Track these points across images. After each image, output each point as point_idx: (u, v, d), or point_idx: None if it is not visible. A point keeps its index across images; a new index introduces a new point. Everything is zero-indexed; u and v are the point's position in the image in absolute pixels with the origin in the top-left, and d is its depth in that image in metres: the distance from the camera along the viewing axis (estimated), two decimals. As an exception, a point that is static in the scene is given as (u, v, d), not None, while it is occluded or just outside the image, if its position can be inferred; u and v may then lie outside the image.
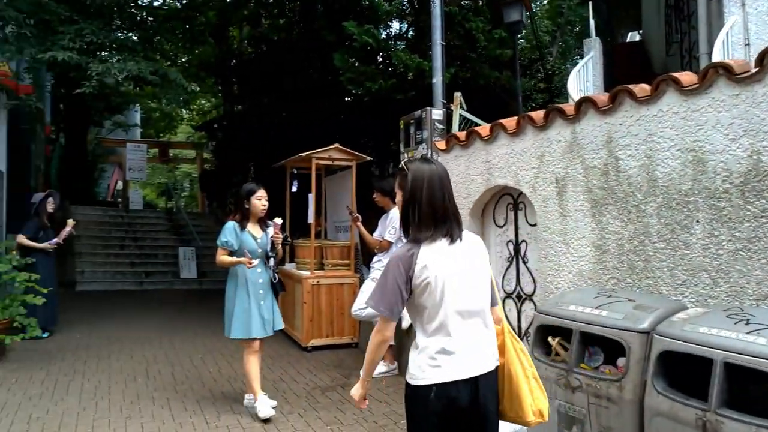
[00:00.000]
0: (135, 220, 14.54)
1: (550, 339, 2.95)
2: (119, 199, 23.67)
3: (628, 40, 9.96)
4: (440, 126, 4.86)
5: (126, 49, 6.53)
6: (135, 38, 7.02)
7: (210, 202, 19.40)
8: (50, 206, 6.81)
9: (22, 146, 9.31)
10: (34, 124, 10.13)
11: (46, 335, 6.64)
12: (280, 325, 4.44)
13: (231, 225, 4.19)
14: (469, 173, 4.12)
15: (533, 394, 2.04)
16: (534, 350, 2.98)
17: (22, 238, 6.44)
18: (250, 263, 4.06)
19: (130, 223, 14.31)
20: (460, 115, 4.68)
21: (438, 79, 5.05)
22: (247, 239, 4.14)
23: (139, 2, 9.56)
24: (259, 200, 4.16)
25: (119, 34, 6.74)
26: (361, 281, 6.33)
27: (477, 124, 4.75)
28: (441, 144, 4.43)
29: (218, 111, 30.52)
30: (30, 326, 5.49)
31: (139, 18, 8.71)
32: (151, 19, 8.82)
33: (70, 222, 7.03)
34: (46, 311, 6.44)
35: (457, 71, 5.79)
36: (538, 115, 3.67)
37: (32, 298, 5.54)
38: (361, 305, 4.96)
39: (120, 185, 28.71)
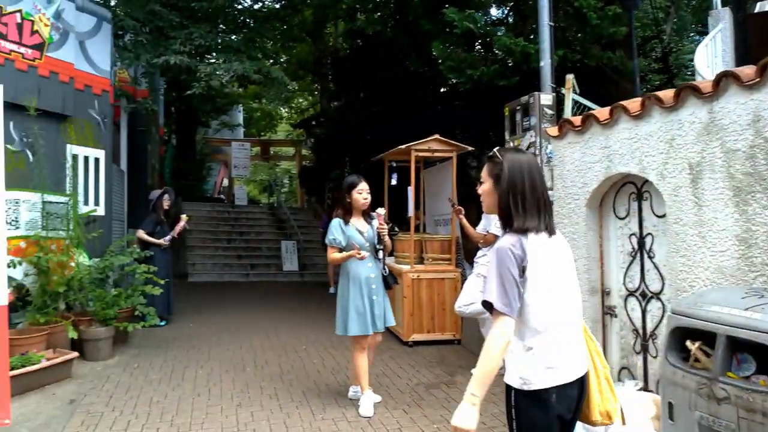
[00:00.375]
0: (240, 215, 15.24)
1: (689, 343, 2.62)
2: (223, 195, 25.04)
3: (757, 10, 8.92)
4: (549, 111, 4.56)
5: (231, 51, 6.78)
6: (238, 39, 7.27)
7: (309, 197, 19.97)
8: (166, 203, 7.23)
9: (139, 147, 10.00)
10: (149, 126, 10.84)
11: (163, 323, 7.06)
12: (391, 321, 4.29)
13: (336, 222, 4.17)
14: (585, 161, 3.81)
15: (602, 394, 2.01)
16: (668, 355, 2.67)
17: (141, 233, 6.89)
18: (359, 254, 3.97)
19: (236, 218, 15.01)
20: (573, 100, 4.35)
21: (546, 62, 4.74)
22: (354, 234, 4.07)
23: (241, 6, 10.00)
24: (360, 194, 4.08)
25: (224, 37, 6.99)
26: (463, 276, 6.15)
27: (590, 109, 4.40)
28: (552, 130, 4.14)
29: (315, 108, 31.32)
30: (149, 315, 5.83)
31: (241, 20, 9.07)
32: (252, 20, 9.14)
33: (184, 217, 7.44)
34: (163, 301, 6.85)
35: (565, 53, 5.42)
36: (666, 94, 3.30)
37: (151, 288, 5.88)
38: (466, 301, 4.78)
39: (225, 182, 30.38)
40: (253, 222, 15.06)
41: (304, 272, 12.49)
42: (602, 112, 3.64)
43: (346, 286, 4.21)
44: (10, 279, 5.20)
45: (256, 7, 11.76)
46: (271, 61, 6.86)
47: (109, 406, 4.30)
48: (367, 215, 4.20)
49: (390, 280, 4.22)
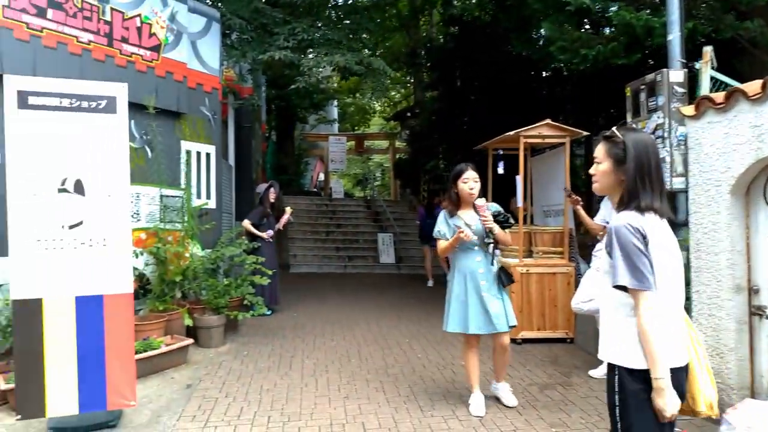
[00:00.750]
0: (337, 208, 15.50)
1: None
2: (318, 189, 25.67)
3: None
4: (680, 90, 4.09)
5: (332, 43, 6.80)
6: (339, 32, 7.28)
7: (403, 189, 19.96)
8: (272, 196, 7.41)
9: (244, 143, 10.38)
10: (253, 122, 11.23)
11: (269, 313, 7.26)
12: (512, 321, 3.90)
13: (441, 214, 4.00)
14: (729, 142, 3.36)
15: (706, 385, 1.99)
16: None
17: (247, 224, 7.11)
18: (463, 234, 3.67)
19: (334, 211, 15.28)
20: (711, 77, 3.87)
21: (675, 36, 4.26)
22: (460, 226, 3.86)
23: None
24: (466, 183, 3.79)
25: (325, 30, 7.03)
26: (577, 271, 5.78)
27: (728, 86, 3.90)
28: (687, 109, 3.70)
29: (408, 101, 31.32)
30: (257, 305, 5.99)
31: (339, 14, 9.15)
32: (351, 13, 9.17)
33: (289, 210, 7.61)
34: (269, 291, 7.04)
35: (695, 26, 4.87)
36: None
37: (259, 279, 6.03)
38: (584, 297, 4.45)
39: (321, 176, 31.21)
40: (350, 215, 15.27)
41: (400, 264, 12.46)
42: (752, 86, 3.19)
43: (452, 280, 4.03)
44: (133, 268, 5.53)
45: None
46: (370, 53, 6.81)
47: (223, 392, 4.43)
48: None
49: (504, 278, 3.87)
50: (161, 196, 5.87)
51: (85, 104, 3.61)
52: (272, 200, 7.44)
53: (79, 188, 3.58)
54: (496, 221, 3.76)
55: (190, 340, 5.23)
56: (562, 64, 7.66)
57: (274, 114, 24.19)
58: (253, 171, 11.17)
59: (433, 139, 15.30)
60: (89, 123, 3.62)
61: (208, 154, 6.62)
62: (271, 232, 7.24)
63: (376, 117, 35.93)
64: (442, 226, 3.95)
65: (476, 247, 3.85)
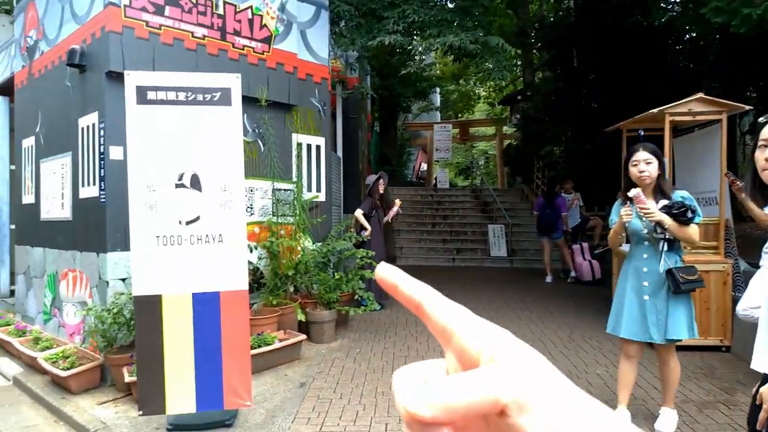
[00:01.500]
0: (443, 199, 15.11)
1: None
2: (420, 180, 25.40)
3: None
4: None
5: (444, 24, 6.41)
6: (451, 12, 6.85)
7: (512, 177, 19.14)
8: (381, 187, 7.20)
9: (351, 134, 10.28)
10: (359, 113, 11.11)
11: (379, 308, 7.07)
12: (675, 334, 3.26)
13: (616, 202, 3.52)
14: None
15: None
16: None
17: (359, 214, 6.92)
18: (625, 214, 3.22)
19: (439, 201, 14.91)
20: None
21: None
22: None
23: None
24: (635, 166, 3.27)
25: (436, 10, 6.65)
26: (734, 269, 4.99)
27: None
28: None
29: (515, 85, 30.16)
30: (369, 300, 5.79)
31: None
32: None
33: (398, 202, 7.36)
34: (379, 286, 6.82)
35: None
36: None
37: (370, 273, 5.82)
38: (753, 303, 3.74)
39: (424, 167, 30.91)
40: (456, 205, 14.81)
41: (513, 258, 11.85)
42: None
43: (620, 275, 3.55)
44: (247, 262, 5.52)
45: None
46: (484, 30, 6.35)
47: (337, 393, 4.25)
48: (662, 194, 3.29)
49: (671, 282, 3.22)
50: (273, 190, 5.83)
51: (200, 97, 3.53)
52: (381, 191, 7.22)
53: (195, 183, 3.51)
54: (670, 213, 3.14)
55: (304, 336, 5.13)
56: (698, 33, 6.71)
57: (377, 104, 24.26)
58: (359, 162, 11.07)
59: (545, 122, 14.45)
60: (204, 116, 3.54)
61: (318, 147, 6.51)
62: (369, 231, 6.96)
63: (480, 103, 35.04)
64: (614, 214, 3.49)
65: (646, 242, 3.32)
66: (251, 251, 5.28)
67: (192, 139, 3.52)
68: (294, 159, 6.09)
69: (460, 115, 32.89)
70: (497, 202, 13.08)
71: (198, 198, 3.50)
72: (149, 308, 3.40)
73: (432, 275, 10.34)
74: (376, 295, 6.58)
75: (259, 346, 4.70)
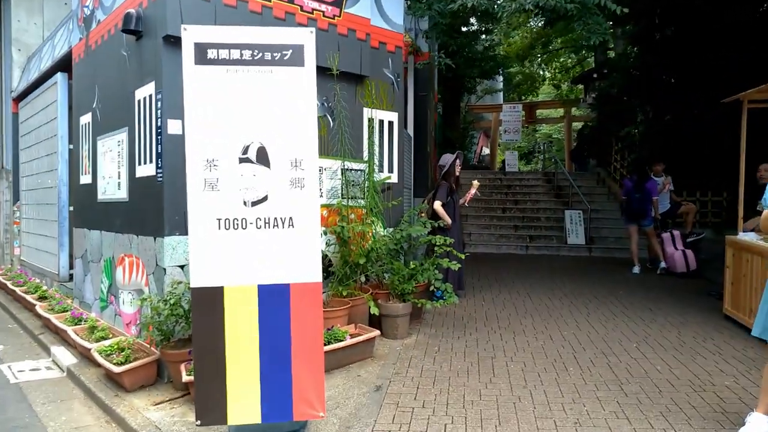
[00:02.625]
0: (513, 183, 14.26)
1: None
2: (482, 163, 24.49)
3: None
4: None
5: (533, -18, 5.67)
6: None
7: (582, 160, 17.97)
8: (458, 168, 6.56)
9: (421, 112, 9.65)
10: (428, 91, 10.46)
11: (457, 300, 6.48)
12: None
13: None
14: None
15: None
16: None
17: (438, 206, 6.28)
18: None
19: (509, 186, 14.08)
20: None
21: None
22: None
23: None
24: None
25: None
26: None
27: None
28: None
29: (582, 66, 28.56)
30: (447, 292, 5.19)
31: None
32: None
33: (475, 183, 6.71)
34: (457, 276, 6.24)
35: None
36: None
37: (448, 262, 5.23)
38: None
39: (486, 150, 29.89)
40: (528, 189, 13.93)
41: (592, 246, 10.94)
42: None
43: None
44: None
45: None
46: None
47: (418, 400, 3.71)
48: None
49: None
50: (343, 170, 5.31)
51: (268, 56, 3.01)
52: (458, 173, 6.58)
53: (262, 157, 3.01)
54: None
55: (377, 332, 4.60)
56: None
57: (441, 85, 23.46)
58: (427, 144, 10.43)
59: (623, 103, 13.30)
60: (273, 78, 3.02)
61: (390, 123, 5.93)
62: (449, 221, 6.33)
63: (545, 85, 33.68)
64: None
65: None
66: (335, 233, 4.79)
67: (259, 106, 3.02)
68: (365, 136, 5.53)
69: (523, 98, 31.57)
70: (574, 186, 12.12)
71: (265, 175, 3.01)
72: (209, 302, 2.94)
73: (506, 264, 9.63)
74: (455, 286, 6.01)
75: (329, 343, 4.22)
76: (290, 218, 3.02)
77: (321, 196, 5.25)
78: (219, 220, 2.97)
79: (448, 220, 6.23)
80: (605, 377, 4.08)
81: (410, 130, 7.83)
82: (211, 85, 2.95)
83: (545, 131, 38.90)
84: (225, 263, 2.97)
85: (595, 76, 16.07)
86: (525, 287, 7.49)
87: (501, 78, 31.18)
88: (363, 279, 5.09)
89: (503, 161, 19.81)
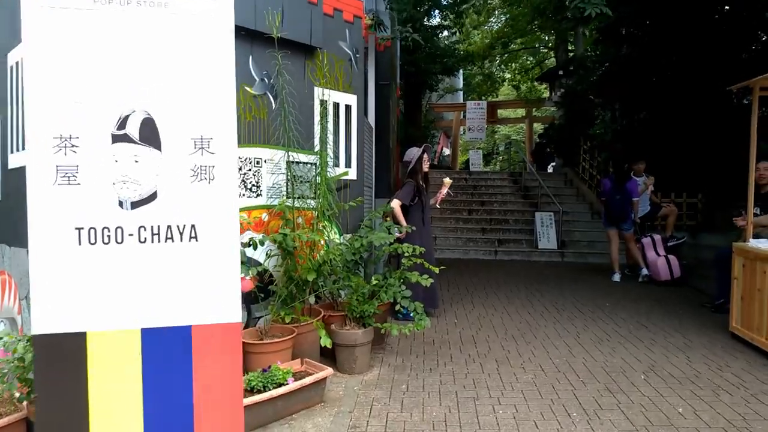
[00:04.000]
0: (479, 183, 13.48)
1: None
2: (441, 164, 23.84)
3: None
4: None
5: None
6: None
7: (542, 162, 17.44)
8: (426, 164, 5.62)
9: (383, 102, 8.69)
10: (391, 80, 9.51)
11: (427, 323, 5.55)
12: None
13: None
14: None
15: None
16: None
17: (397, 206, 5.33)
18: None
19: (474, 186, 13.29)
20: None
21: None
22: None
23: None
24: None
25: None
26: None
27: None
28: None
29: (541, 67, 28.35)
30: (417, 313, 4.22)
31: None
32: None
33: (447, 181, 5.80)
34: (427, 292, 5.31)
35: None
36: None
37: (419, 277, 4.27)
38: None
39: (446, 151, 29.29)
40: (494, 190, 13.17)
41: (564, 251, 10.21)
42: None
43: None
44: (249, 262, 4.00)
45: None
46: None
47: (384, 469, 2.73)
48: None
49: None
50: (289, 163, 4.29)
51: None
52: (426, 170, 5.64)
53: (149, 134, 1.99)
54: None
55: (329, 370, 3.59)
56: None
57: (402, 80, 22.66)
58: (389, 139, 9.48)
59: (591, 100, 12.72)
60: (169, 17, 2.01)
61: (348, 107, 4.94)
62: (405, 229, 5.37)
63: (505, 86, 33.51)
64: None
65: None
66: (256, 247, 3.76)
67: (145, 57, 2.00)
68: (317, 121, 4.53)
69: (484, 98, 31.18)
70: (544, 187, 11.39)
71: (154, 160, 1.99)
72: (62, 356, 1.90)
73: (475, 271, 8.76)
74: (427, 304, 5.08)
75: (265, 389, 3.20)
76: (192, 227, 2.01)
77: (260, 195, 4.22)
78: (80, 229, 1.93)
79: (404, 223, 5.30)
80: (621, 428, 3.19)
81: (372, 119, 6.84)
82: (65, 24, 1.91)
83: (504, 132, 38.77)
84: (89, 296, 1.93)
85: (560, 73, 15.47)
86: (500, 300, 6.61)
87: (461, 77, 30.76)
88: (313, 300, 4.08)
89: (467, 160, 19.10)
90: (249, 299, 4.11)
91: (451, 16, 21.19)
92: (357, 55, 4.98)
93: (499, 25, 28.78)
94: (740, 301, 4.82)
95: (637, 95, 10.12)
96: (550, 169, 17.26)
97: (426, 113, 26.79)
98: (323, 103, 4.59)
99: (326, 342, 3.65)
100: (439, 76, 22.01)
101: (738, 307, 4.86)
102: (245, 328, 4.16)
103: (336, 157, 4.81)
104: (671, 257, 7.61)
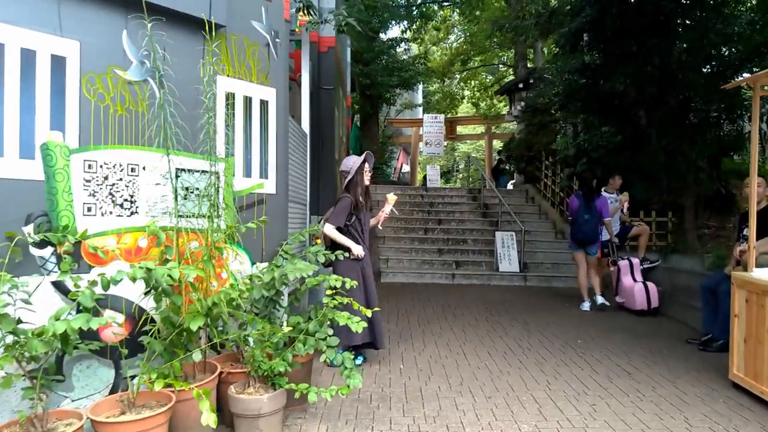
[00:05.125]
0: (435, 200, 12.61)
1: None
2: (401, 181, 23.09)
3: None
4: None
5: None
6: None
7: (499, 178, 16.80)
8: (367, 176, 4.65)
9: (325, 109, 7.74)
10: (336, 86, 8.58)
11: (359, 361, 4.56)
12: None
13: None
14: None
15: None
16: None
17: (331, 230, 4.36)
18: None
19: (431, 203, 12.41)
20: None
21: None
22: None
23: None
24: None
25: None
26: None
27: None
28: None
29: (501, 84, 28.15)
30: (347, 368, 3.22)
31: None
32: None
33: (391, 198, 4.83)
34: (372, 327, 4.33)
35: None
36: None
37: (349, 320, 3.26)
38: None
39: (405, 168, 28.59)
40: (452, 207, 12.32)
41: (526, 274, 9.38)
42: None
43: None
44: (115, 302, 2.93)
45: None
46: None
47: None
48: None
49: None
50: (178, 170, 3.25)
51: None
52: (368, 182, 4.67)
53: None
54: None
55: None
56: None
57: (357, 93, 21.89)
58: (336, 150, 8.51)
59: (553, 114, 12.11)
60: None
61: (264, 103, 3.94)
62: (360, 250, 4.46)
63: (464, 103, 33.32)
64: None
65: None
66: (107, 287, 2.69)
67: None
68: (220, 120, 3.51)
69: (443, 114, 30.87)
70: (505, 205, 10.59)
71: None
72: None
73: (431, 298, 7.79)
74: (373, 341, 4.13)
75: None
76: None
77: (136, 212, 3.16)
78: None
79: (348, 243, 4.34)
80: None
81: (306, 125, 5.82)
82: None
83: (464, 150, 38.51)
84: None
85: (520, 86, 14.88)
86: (456, 336, 5.66)
87: (421, 93, 30.25)
88: (198, 357, 3.01)
89: (425, 176, 18.30)
90: (116, 353, 3.03)
91: (411, 27, 20.59)
92: (277, 41, 4.00)
93: (459, 42, 28.62)
94: (743, 344, 3.99)
95: (601, 107, 9.45)
96: (509, 186, 16.61)
97: (384, 128, 26.06)
98: (230, 97, 3.59)
99: (209, 419, 2.59)
100: (398, 90, 21.33)
101: (740, 352, 4.04)
102: (111, 392, 3.08)
103: (248, 165, 3.80)
104: (650, 284, 6.83)
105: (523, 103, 14.26)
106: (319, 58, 7.78)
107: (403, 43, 21.95)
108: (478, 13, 23.50)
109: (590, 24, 8.66)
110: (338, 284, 3.42)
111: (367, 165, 4.65)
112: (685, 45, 8.43)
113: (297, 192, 5.06)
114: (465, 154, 37.23)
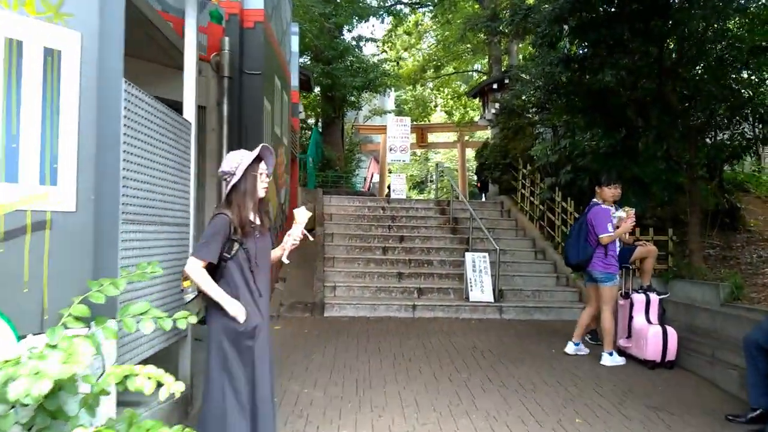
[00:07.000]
0: (399, 214, 10.96)
1: None
2: (371, 192, 21.57)
3: None
4: None
5: None
6: None
7: (483, 189, 15.32)
8: (263, 180, 2.97)
9: (248, 99, 6.09)
10: (270, 73, 6.93)
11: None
12: None
13: None
14: None
15: None
16: None
17: (193, 267, 2.66)
18: None
19: (393, 217, 10.77)
20: None
21: None
22: None
23: None
24: None
25: None
26: None
27: None
28: None
29: (473, 84, 26.98)
30: None
31: None
32: None
33: (302, 213, 3.06)
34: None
35: None
36: None
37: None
38: None
39: (376, 178, 27.08)
40: (417, 222, 10.69)
41: (502, 304, 7.78)
42: None
43: None
44: None
45: None
46: None
47: None
48: None
49: None
50: None
51: None
52: (263, 192, 2.98)
53: None
54: None
55: None
56: None
57: (317, 94, 20.33)
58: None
59: (524, 117, 10.68)
60: None
61: (52, 53, 2.25)
62: (240, 311, 2.75)
63: (437, 111, 32.25)
64: None
65: None
66: None
67: None
68: None
69: (415, 121, 29.60)
70: (476, 219, 8.99)
71: None
72: None
73: (383, 339, 6.08)
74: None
75: None
76: None
77: None
78: None
79: (217, 293, 2.67)
80: None
81: (192, 114, 4.08)
82: None
83: (438, 160, 37.38)
84: None
85: (495, 87, 13.44)
86: (406, 411, 4.00)
87: (390, 98, 28.82)
88: None
89: (388, 186, 16.73)
90: None
91: (380, 23, 19.12)
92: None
93: (431, 47, 27.57)
94: None
95: (588, 106, 7.99)
96: (483, 198, 15.12)
97: (351, 135, 24.50)
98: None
99: None
100: (364, 93, 19.80)
101: None
102: None
103: (10, 160, 2.10)
104: (669, 330, 5.23)
105: (497, 105, 12.80)
106: (242, 34, 6.14)
107: (369, 43, 20.54)
108: (450, 16, 22.32)
109: (575, 3, 7.17)
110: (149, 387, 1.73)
111: (263, 165, 2.98)
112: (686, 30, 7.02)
113: (171, 209, 3.35)
114: (435, 163, 36.20)
